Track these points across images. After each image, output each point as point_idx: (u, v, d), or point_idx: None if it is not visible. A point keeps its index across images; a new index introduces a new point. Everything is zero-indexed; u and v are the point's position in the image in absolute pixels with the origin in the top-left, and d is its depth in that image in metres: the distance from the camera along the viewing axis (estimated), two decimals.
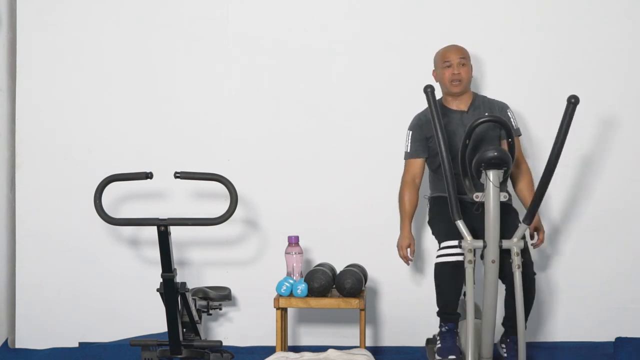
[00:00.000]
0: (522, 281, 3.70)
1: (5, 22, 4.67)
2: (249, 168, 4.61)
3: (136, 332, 4.55)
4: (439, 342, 4.00)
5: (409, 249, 4.12)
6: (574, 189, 4.60)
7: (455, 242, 3.84)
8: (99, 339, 4.63)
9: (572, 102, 3.62)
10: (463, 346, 3.90)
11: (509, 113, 4.15)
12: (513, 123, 4.14)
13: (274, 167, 4.64)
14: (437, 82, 4.15)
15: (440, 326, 4.01)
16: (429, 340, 4.27)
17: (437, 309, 4.01)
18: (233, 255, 4.65)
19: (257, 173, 4.63)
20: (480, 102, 4.16)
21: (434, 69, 4.19)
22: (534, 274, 3.99)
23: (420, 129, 4.12)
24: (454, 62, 4.08)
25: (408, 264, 4.18)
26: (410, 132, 4.17)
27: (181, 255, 4.60)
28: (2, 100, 4.70)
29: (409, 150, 4.17)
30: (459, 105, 4.14)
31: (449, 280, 3.92)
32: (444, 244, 3.94)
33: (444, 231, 3.97)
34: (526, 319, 3.82)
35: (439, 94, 4.17)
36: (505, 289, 3.93)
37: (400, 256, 4.13)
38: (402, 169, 4.21)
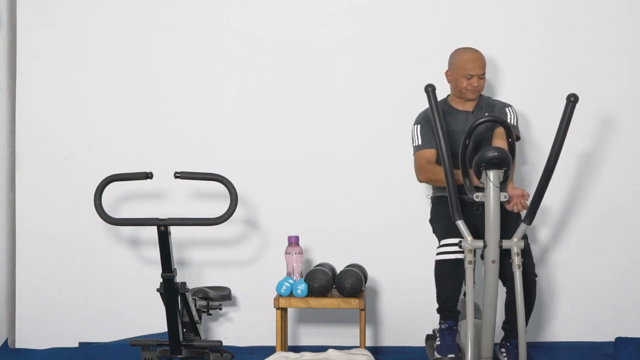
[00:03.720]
0: (523, 282, 3.69)
1: (5, 22, 4.67)
2: (249, 168, 4.61)
3: (136, 332, 4.55)
4: (438, 339, 4.01)
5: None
6: (574, 189, 4.60)
7: (454, 240, 3.84)
8: (99, 339, 4.63)
9: (572, 101, 3.62)
10: (463, 344, 3.90)
11: (507, 110, 4.14)
12: (510, 120, 4.09)
13: (274, 167, 4.64)
14: (449, 83, 4.16)
15: (440, 323, 4.02)
16: (428, 337, 4.27)
17: (437, 306, 4.02)
18: (233, 255, 4.65)
19: (257, 173, 4.63)
20: (484, 103, 4.17)
21: (448, 69, 4.16)
22: (535, 276, 3.99)
23: (428, 123, 4.07)
24: (474, 75, 4.06)
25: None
26: (419, 125, 4.15)
27: (181, 255, 4.60)
28: (2, 100, 4.70)
29: (420, 143, 4.13)
30: (465, 105, 4.14)
31: (448, 277, 3.93)
32: (443, 242, 3.95)
33: (444, 229, 3.97)
34: (526, 323, 3.80)
35: (445, 93, 4.17)
36: (506, 292, 3.93)
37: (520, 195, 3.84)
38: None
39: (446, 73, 4.17)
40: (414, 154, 4.16)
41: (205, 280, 4.62)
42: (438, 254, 3.96)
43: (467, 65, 4.07)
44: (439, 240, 4.00)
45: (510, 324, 3.99)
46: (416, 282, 4.57)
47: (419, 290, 4.52)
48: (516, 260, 3.69)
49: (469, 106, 4.15)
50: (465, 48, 4.15)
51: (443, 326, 4.00)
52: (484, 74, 4.10)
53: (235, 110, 4.65)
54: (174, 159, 4.50)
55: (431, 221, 4.21)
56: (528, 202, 3.82)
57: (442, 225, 4.02)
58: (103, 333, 4.64)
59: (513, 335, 3.93)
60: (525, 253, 3.80)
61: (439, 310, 4.02)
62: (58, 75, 4.65)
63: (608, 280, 4.59)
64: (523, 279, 3.70)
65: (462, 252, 3.77)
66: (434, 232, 4.14)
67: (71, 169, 4.65)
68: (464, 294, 3.82)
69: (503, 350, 4.04)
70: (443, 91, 4.17)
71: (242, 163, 4.61)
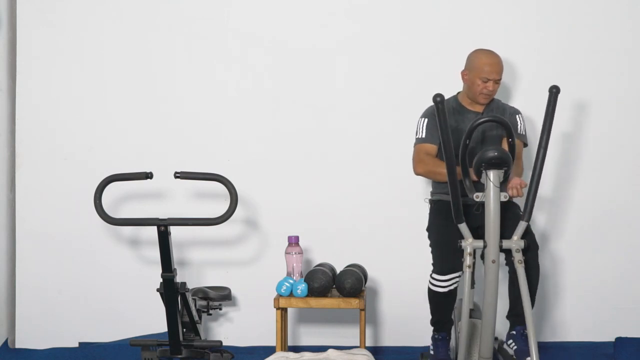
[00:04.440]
0: (525, 253, 3.76)
1: (5, 22, 4.67)
2: (249, 168, 4.61)
3: (136, 332, 4.55)
4: (432, 349, 4.08)
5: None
6: (574, 189, 4.60)
7: (446, 277, 3.91)
8: (99, 339, 4.63)
9: (554, 92, 3.70)
10: (458, 347, 3.92)
11: (517, 117, 4.13)
12: (519, 128, 4.11)
13: (274, 167, 4.64)
14: (464, 82, 4.11)
15: (434, 333, 4.10)
16: (422, 355, 4.26)
17: (430, 317, 4.11)
18: (233, 255, 4.65)
19: (257, 173, 4.63)
20: (494, 106, 4.15)
21: (465, 69, 4.10)
22: (537, 247, 3.96)
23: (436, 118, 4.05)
24: (491, 80, 4.03)
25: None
26: (425, 119, 4.09)
27: (181, 255, 4.60)
28: (2, 100, 4.70)
29: (423, 136, 4.07)
30: (475, 106, 4.12)
31: (440, 303, 4.01)
32: (435, 276, 3.98)
33: (439, 262, 3.98)
34: (533, 300, 3.88)
35: (457, 90, 4.16)
36: (509, 277, 3.94)
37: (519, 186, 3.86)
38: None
39: (462, 73, 4.11)
40: (414, 145, 4.12)
41: (205, 280, 4.62)
42: (430, 283, 4.00)
43: (485, 68, 4.03)
44: (432, 271, 4.00)
45: (514, 310, 3.97)
46: (416, 282, 4.56)
47: (419, 290, 4.51)
48: (517, 256, 3.71)
49: (479, 107, 4.12)
50: (485, 50, 4.10)
51: (437, 336, 4.08)
52: (500, 79, 4.07)
53: (235, 110, 4.65)
54: (174, 159, 4.50)
55: (428, 231, 4.15)
56: (524, 191, 3.80)
57: (438, 257, 4.00)
58: (103, 333, 4.64)
59: (518, 322, 3.94)
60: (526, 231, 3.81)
61: (432, 323, 4.09)
62: (58, 75, 4.65)
63: (608, 280, 4.60)
64: (527, 249, 3.76)
65: (455, 283, 3.90)
66: (430, 246, 4.11)
67: (71, 169, 4.65)
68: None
69: (510, 340, 4.02)
70: (449, 93, 4.14)
71: (242, 163, 4.61)
